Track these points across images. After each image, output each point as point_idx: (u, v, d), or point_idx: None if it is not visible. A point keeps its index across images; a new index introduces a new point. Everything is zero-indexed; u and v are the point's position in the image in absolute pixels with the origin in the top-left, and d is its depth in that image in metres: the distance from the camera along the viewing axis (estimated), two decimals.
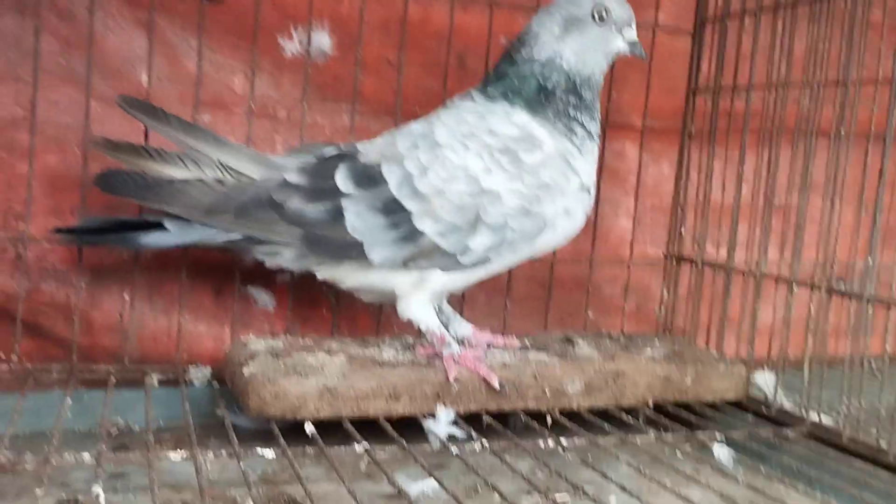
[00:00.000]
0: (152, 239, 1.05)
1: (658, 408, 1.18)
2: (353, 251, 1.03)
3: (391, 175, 1.03)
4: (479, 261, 1.05)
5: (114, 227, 1.07)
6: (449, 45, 1.31)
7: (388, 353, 1.12)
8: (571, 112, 1.08)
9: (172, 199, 1.02)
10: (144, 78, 1.20)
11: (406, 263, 1.04)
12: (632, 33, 1.10)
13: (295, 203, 1.02)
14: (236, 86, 1.27)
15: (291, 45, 1.27)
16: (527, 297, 1.45)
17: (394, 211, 1.02)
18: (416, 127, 1.10)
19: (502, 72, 1.10)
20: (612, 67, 1.34)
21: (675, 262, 1.44)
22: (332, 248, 1.04)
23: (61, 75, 1.18)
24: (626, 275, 1.48)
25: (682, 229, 1.44)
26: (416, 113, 1.29)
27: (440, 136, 1.06)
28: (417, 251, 1.03)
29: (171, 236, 1.05)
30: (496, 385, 1.05)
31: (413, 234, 1.02)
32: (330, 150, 1.09)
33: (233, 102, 1.27)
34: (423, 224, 1.02)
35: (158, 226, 1.05)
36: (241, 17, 1.25)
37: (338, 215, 1.02)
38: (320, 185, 1.03)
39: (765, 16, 1.27)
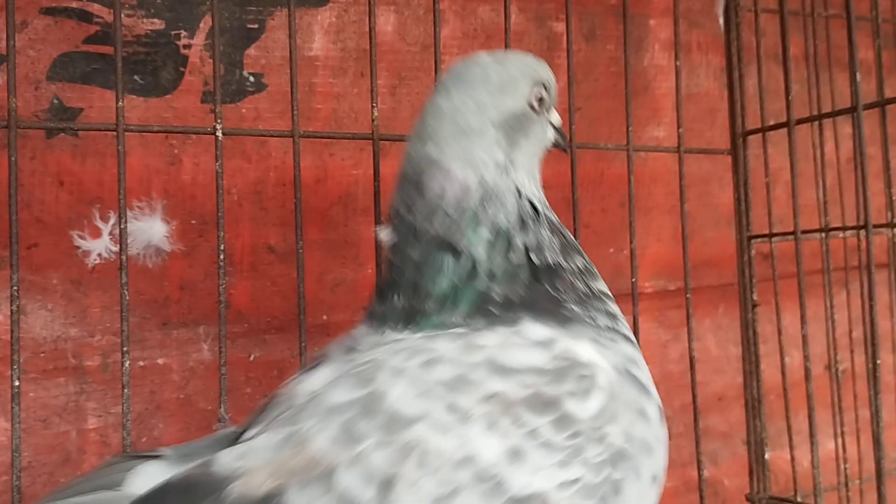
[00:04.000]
0: None
1: None
2: None
3: None
4: None
5: None
6: (377, 212, 0.77)
7: None
8: (579, 282, 0.57)
9: None
10: None
11: None
12: (555, 115, 0.63)
13: None
14: None
15: (98, 245, 0.74)
16: None
17: None
18: (335, 394, 0.50)
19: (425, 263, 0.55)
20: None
21: None
22: None
23: None
24: None
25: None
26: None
27: (397, 399, 0.49)
28: None
29: None
30: None
31: None
32: (156, 474, 0.49)
33: None
34: None
35: None
36: None
37: None
38: None
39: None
